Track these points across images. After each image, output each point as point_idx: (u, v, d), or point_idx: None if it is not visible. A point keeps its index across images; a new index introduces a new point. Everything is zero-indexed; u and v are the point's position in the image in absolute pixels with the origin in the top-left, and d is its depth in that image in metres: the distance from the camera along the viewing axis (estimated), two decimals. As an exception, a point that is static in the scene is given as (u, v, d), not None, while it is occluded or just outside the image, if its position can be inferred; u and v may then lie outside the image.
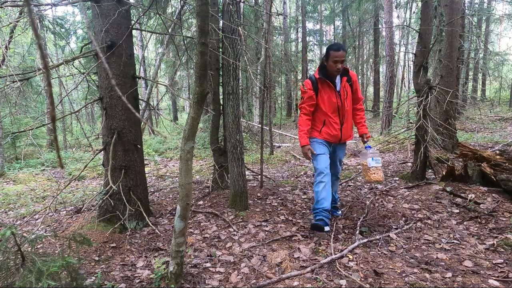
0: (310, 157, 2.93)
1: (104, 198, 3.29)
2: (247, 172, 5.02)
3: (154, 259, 2.65)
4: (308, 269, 2.32)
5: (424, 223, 3.03)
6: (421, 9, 4.22)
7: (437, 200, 3.49)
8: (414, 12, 13.82)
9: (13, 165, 8.88)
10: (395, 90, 14.57)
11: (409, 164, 5.39)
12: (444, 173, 4.02)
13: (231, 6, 3.55)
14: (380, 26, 14.32)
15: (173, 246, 2.14)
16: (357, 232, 2.90)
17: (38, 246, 2.94)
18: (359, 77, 19.46)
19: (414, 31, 5.90)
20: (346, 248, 2.59)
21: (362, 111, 3.21)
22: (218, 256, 2.67)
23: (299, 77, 17.55)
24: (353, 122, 3.21)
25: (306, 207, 3.78)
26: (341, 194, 4.15)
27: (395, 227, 3.01)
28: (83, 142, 12.34)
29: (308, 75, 17.59)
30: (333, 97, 2.97)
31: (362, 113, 3.21)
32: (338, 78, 3.02)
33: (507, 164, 3.68)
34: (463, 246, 2.54)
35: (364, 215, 3.29)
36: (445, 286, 2.02)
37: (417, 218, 3.13)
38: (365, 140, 3.14)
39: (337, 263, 2.39)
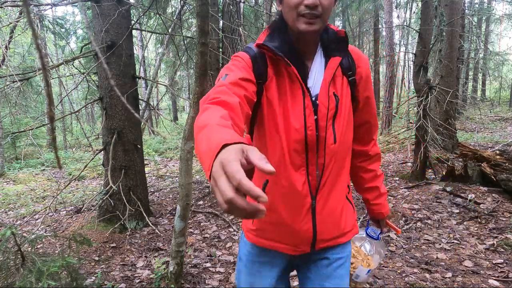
0: (223, 199, 0.41)
1: (104, 198, 3.29)
2: (247, 172, 5.02)
3: (154, 259, 2.65)
4: (308, 269, 2.32)
5: (424, 223, 3.03)
6: (421, 9, 4.23)
7: (437, 200, 3.49)
8: (414, 12, 13.83)
9: (13, 165, 8.88)
10: (395, 90, 14.57)
11: (409, 164, 5.39)
12: (444, 173, 4.02)
13: (231, 6, 3.55)
14: (380, 26, 14.32)
15: (173, 246, 2.14)
16: (357, 232, 2.90)
17: (38, 246, 2.94)
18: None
19: (414, 31, 5.91)
20: (346, 248, 2.59)
21: (377, 159, 1.18)
22: (218, 256, 2.66)
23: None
24: (358, 187, 1.24)
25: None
26: (341, 194, 4.15)
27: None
28: (83, 142, 12.34)
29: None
30: (298, 105, 0.94)
31: (376, 166, 1.19)
32: (319, 58, 0.99)
33: (507, 164, 3.69)
34: (463, 246, 2.55)
35: (364, 215, 3.29)
36: (445, 286, 2.02)
37: (417, 218, 3.13)
38: (379, 229, 1.26)
39: (337, 263, 2.39)
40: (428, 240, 2.70)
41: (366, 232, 1.24)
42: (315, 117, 0.94)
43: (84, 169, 3.65)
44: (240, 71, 0.88)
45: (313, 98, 0.94)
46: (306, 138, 0.93)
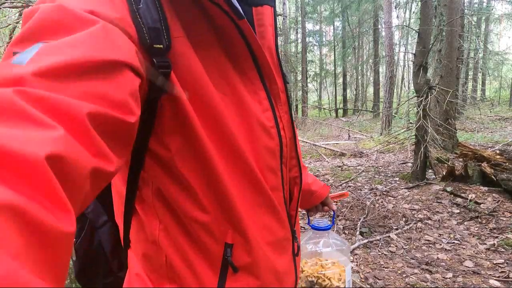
0: None
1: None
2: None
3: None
4: (308, 270, 2.32)
5: (425, 223, 3.03)
6: (421, 9, 4.23)
7: (438, 200, 3.48)
8: (413, 12, 13.85)
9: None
10: (395, 90, 14.59)
11: (409, 164, 5.38)
12: (444, 173, 4.02)
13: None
14: (379, 26, 14.34)
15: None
16: (358, 232, 2.90)
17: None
18: (359, 77, 19.44)
19: (414, 31, 5.91)
20: (346, 249, 2.59)
21: None
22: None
23: (299, 78, 17.59)
24: None
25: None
26: (341, 194, 4.15)
27: (396, 227, 3.00)
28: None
29: None
30: (256, 88, 0.52)
31: None
32: None
33: (507, 163, 3.68)
34: (464, 246, 2.54)
35: (365, 215, 3.29)
36: (445, 287, 2.02)
37: (418, 219, 3.13)
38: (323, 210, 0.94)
39: (337, 263, 2.39)
40: (428, 240, 2.70)
41: (315, 228, 0.87)
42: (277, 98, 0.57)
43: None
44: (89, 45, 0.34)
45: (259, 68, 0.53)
46: (281, 144, 0.55)
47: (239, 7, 0.46)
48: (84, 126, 0.30)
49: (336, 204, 3.69)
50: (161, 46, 0.41)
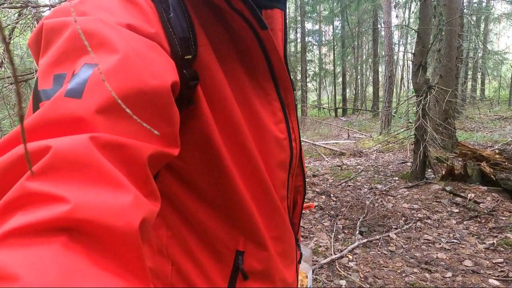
0: None
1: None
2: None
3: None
4: (308, 269, 2.32)
5: (424, 222, 3.03)
6: (420, 9, 4.24)
7: (437, 200, 3.49)
8: (413, 12, 13.86)
9: (13, 166, 8.86)
10: (394, 90, 14.58)
11: (409, 163, 5.39)
12: (443, 172, 4.03)
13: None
14: (379, 26, 14.33)
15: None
16: (357, 232, 2.90)
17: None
18: (358, 77, 19.45)
19: (413, 31, 5.92)
20: (346, 248, 2.59)
21: None
22: None
23: (298, 77, 17.59)
24: None
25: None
26: (341, 194, 4.15)
27: (395, 227, 3.01)
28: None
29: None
30: (271, 99, 0.51)
31: None
32: None
33: (506, 163, 3.69)
34: (463, 246, 2.55)
35: (364, 215, 3.29)
36: (445, 286, 2.02)
37: (417, 218, 3.13)
38: None
39: (337, 263, 2.39)
40: (428, 239, 2.70)
41: None
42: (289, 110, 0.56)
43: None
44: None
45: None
46: (291, 156, 0.55)
47: (261, 16, 0.42)
48: (144, 169, 0.30)
49: (336, 204, 3.70)
50: (190, 56, 0.39)
